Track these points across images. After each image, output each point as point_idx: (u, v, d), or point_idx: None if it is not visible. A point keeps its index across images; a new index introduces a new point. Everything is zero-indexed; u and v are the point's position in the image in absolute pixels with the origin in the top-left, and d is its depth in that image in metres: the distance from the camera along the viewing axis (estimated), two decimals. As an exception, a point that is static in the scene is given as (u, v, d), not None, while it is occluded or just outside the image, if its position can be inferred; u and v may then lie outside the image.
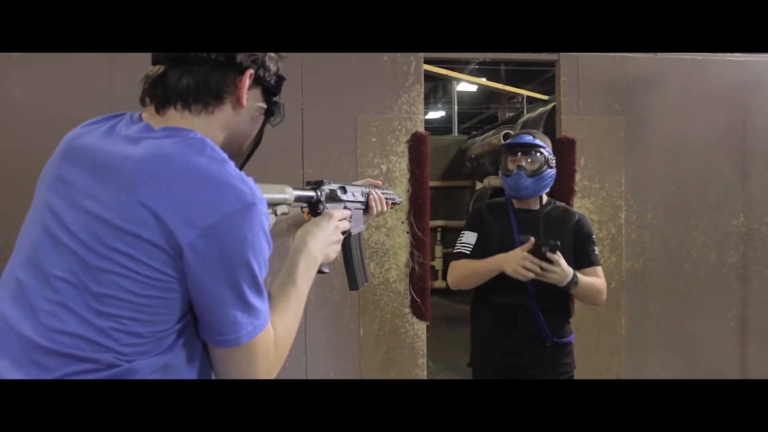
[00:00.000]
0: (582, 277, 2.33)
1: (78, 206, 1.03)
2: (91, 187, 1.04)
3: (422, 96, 3.48)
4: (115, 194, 1.00)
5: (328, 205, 1.41)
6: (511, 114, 10.95)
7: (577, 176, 3.58)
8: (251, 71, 1.16)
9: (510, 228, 2.50)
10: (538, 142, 2.47)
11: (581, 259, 2.48)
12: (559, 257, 2.22)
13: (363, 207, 1.60)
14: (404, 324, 3.46)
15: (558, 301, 2.45)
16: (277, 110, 1.24)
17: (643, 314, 3.70)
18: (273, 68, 1.21)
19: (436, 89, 14.31)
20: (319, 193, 1.40)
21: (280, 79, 1.23)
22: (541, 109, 4.54)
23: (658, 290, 3.72)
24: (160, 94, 1.12)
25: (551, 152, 2.49)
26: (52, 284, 1.01)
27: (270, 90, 1.22)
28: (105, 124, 1.14)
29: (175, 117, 1.12)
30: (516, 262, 2.23)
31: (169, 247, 0.99)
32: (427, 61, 3.66)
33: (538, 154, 2.45)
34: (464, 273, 2.47)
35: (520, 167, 2.45)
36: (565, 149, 3.55)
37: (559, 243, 2.21)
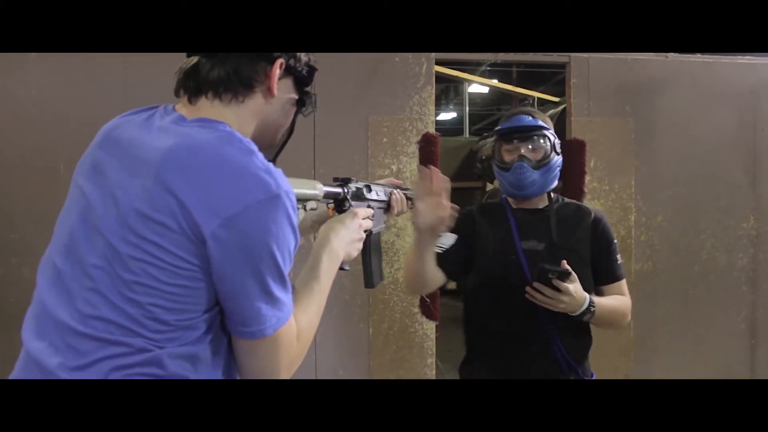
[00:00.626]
0: (601, 303, 1.84)
1: (111, 195, 1.05)
2: (124, 177, 1.06)
3: (433, 97, 3.50)
4: (144, 183, 1.02)
5: (353, 202, 1.42)
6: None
7: (587, 178, 3.59)
8: (282, 60, 1.18)
9: (509, 232, 1.97)
10: (540, 123, 1.96)
11: (601, 272, 1.98)
12: (569, 285, 1.75)
13: (385, 206, 1.61)
14: (413, 324, 3.48)
15: (578, 320, 1.86)
16: (309, 100, 1.26)
17: (652, 316, 3.70)
18: (304, 58, 1.23)
19: (448, 90, 14.30)
20: (345, 191, 1.41)
21: (311, 70, 1.25)
22: (551, 111, 4.55)
23: (668, 292, 3.72)
24: (192, 85, 1.15)
25: (555, 134, 2.01)
26: (88, 272, 1.04)
27: (301, 80, 1.24)
28: (141, 115, 1.16)
29: (206, 106, 1.14)
30: (433, 206, 1.70)
31: (194, 236, 1.00)
32: (439, 63, 3.68)
33: (543, 138, 1.96)
34: (405, 270, 2.01)
35: (521, 157, 1.93)
36: (575, 151, 3.56)
37: (571, 270, 1.74)
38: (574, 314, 1.79)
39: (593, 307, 1.80)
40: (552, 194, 2.05)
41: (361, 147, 3.42)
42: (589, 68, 3.62)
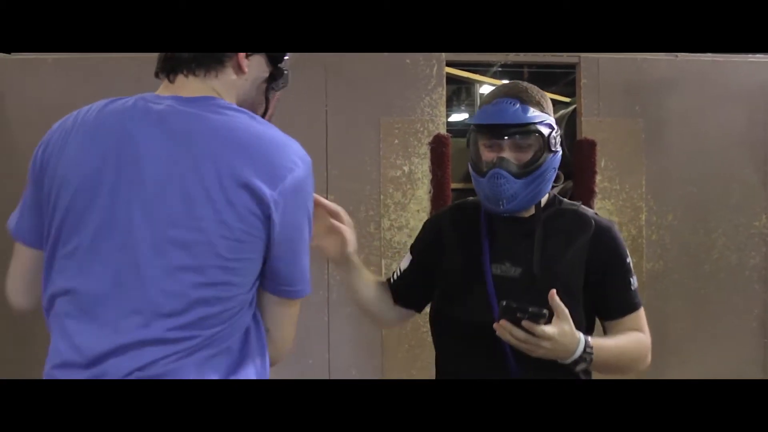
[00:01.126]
0: (603, 347, 1.43)
1: (142, 190, 1.07)
2: (162, 169, 1.08)
3: (444, 98, 3.53)
4: (191, 167, 1.06)
5: None
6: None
7: (598, 178, 3.60)
8: None
9: (479, 250, 1.56)
10: (530, 115, 1.47)
11: (606, 303, 1.54)
12: (551, 328, 1.32)
13: None
14: (425, 323, 3.46)
15: (557, 366, 1.40)
16: (280, 76, 1.29)
17: (664, 315, 3.70)
18: None
19: (459, 92, 14.29)
20: None
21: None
22: (562, 111, 4.55)
23: (679, 291, 3.72)
24: (168, 66, 1.20)
25: (554, 123, 1.53)
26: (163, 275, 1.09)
27: (273, 57, 1.27)
28: (117, 104, 1.19)
29: (183, 83, 1.19)
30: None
31: (257, 207, 1.06)
32: (450, 64, 3.71)
33: (533, 135, 1.48)
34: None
35: (501, 161, 1.47)
36: (585, 151, 3.57)
37: (546, 312, 1.31)
38: (563, 362, 1.38)
39: (590, 353, 1.38)
40: (545, 197, 1.60)
41: (372, 148, 3.45)
42: (599, 69, 3.63)
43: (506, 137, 1.49)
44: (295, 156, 1.12)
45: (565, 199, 1.63)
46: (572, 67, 3.78)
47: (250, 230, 1.06)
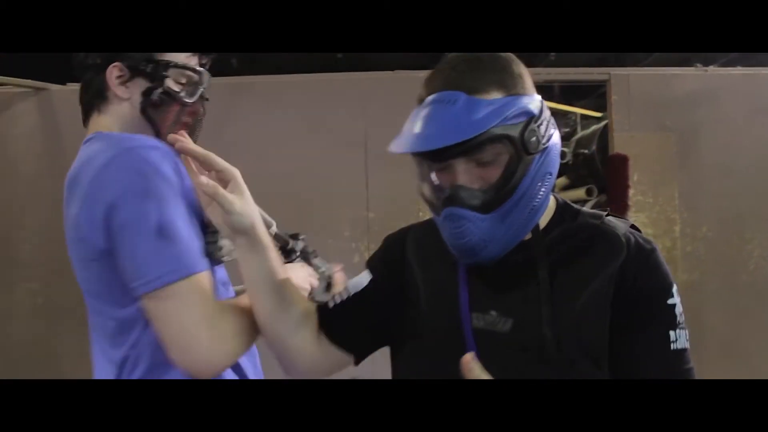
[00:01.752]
0: None
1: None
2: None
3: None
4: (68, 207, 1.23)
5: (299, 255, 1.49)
6: (566, 130, 10.81)
7: (631, 192, 3.64)
8: (115, 65, 1.25)
9: (454, 292, 1.05)
10: (484, 114, 0.93)
11: (634, 366, 1.00)
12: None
13: (325, 284, 1.46)
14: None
15: None
16: (156, 91, 1.27)
17: (700, 327, 3.69)
18: (141, 56, 1.26)
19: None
20: (293, 243, 1.48)
21: (156, 65, 1.26)
22: (594, 127, 4.58)
23: (715, 303, 3.72)
24: (82, 111, 1.33)
25: (532, 105, 0.97)
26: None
27: (150, 76, 1.26)
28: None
29: (92, 122, 1.30)
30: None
31: (99, 225, 1.13)
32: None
33: (498, 142, 0.94)
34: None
35: (455, 194, 0.98)
36: (618, 166, 3.62)
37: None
38: None
39: None
40: (551, 210, 1.09)
41: (410, 164, 3.52)
42: (629, 85, 3.69)
43: (456, 157, 0.97)
44: (134, 170, 1.12)
45: (584, 209, 1.10)
46: (602, 83, 3.84)
47: (93, 250, 1.15)
